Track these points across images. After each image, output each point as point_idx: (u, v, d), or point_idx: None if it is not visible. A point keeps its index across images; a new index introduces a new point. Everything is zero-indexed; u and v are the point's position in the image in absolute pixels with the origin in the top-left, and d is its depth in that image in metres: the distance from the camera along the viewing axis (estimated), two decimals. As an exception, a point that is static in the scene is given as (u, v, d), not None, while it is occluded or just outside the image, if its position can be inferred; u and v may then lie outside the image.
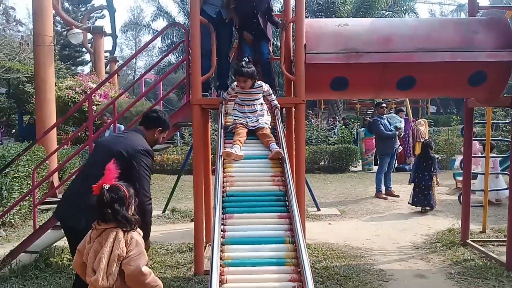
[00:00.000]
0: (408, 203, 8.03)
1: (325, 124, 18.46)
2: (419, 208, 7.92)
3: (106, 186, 2.55)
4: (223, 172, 3.54)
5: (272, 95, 4.33)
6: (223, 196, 3.33)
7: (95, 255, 2.49)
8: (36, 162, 7.27)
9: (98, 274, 2.40)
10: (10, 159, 6.35)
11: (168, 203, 8.08)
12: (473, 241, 5.69)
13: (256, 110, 4.06)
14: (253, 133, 3.99)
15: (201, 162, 4.88)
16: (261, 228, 3.08)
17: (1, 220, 6.40)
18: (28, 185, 7.07)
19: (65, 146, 10.49)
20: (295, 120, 4.74)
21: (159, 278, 4.57)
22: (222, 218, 3.14)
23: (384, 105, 10.70)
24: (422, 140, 12.87)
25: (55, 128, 8.82)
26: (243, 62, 4.01)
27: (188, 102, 4.83)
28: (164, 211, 7.89)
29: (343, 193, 9.97)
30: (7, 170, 6.43)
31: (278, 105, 4.34)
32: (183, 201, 9.02)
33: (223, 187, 3.43)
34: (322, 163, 13.97)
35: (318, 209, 8.02)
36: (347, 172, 13.52)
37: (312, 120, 17.46)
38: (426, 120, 14.88)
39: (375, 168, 11.88)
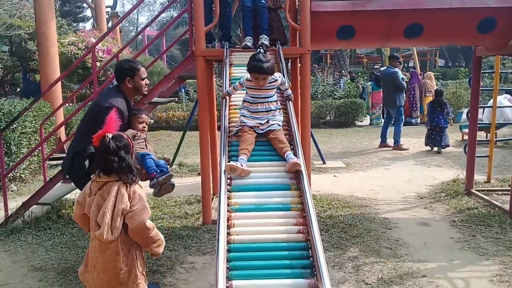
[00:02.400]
0: (425, 145, 9.11)
1: (331, 78, 18.23)
2: (424, 159, 8.02)
3: (110, 135, 2.54)
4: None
5: (286, 83, 3.72)
6: (228, 145, 3.35)
7: (98, 209, 2.49)
8: (43, 118, 7.31)
9: (103, 229, 2.42)
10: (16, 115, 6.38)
11: (175, 157, 8.17)
12: (478, 191, 5.75)
13: (271, 109, 3.36)
14: (263, 136, 3.34)
15: (207, 115, 4.88)
16: (267, 176, 3.11)
17: (12, 174, 6.53)
18: (36, 141, 7.16)
19: (71, 103, 10.52)
20: (301, 70, 4.69)
21: (169, 228, 4.74)
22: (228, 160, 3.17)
23: (399, 57, 10.54)
24: (428, 95, 12.84)
25: (60, 85, 8.80)
26: (260, 55, 3.28)
27: (192, 54, 4.77)
28: (171, 166, 7.98)
29: (349, 146, 10.00)
30: (14, 125, 6.49)
31: (292, 96, 3.78)
32: (190, 156, 9.10)
33: (228, 136, 3.46)
34: (328, 117, 13.94)
35: (324, 162, 8.08)
36: (353, 126, 13.51)
37: (318, 75, 17.22)
38: (432, 73, 14.65)
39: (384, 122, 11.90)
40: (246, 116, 3.33)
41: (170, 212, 5.32)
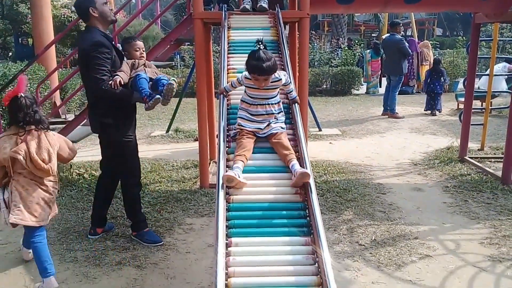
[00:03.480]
0: (424, 110, 9.83)
1: (328, 46, 18.05)
2: (419, 127, 8.12)
3: (22, 94, 2.92)
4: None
5: (291, 84, 3.24)
6: (228, 108, 3.37)
7: (37, 150, 2.89)
8: (38, 81, 7.25)
9: (50, 164, 2.92)
10: (12, 77, 6.32)
11: (171, 123, 8.16)
12: (471, 158, 5.83)
13: (272, 113, 2.94)
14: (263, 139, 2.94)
15: (204, 80, 4.86)
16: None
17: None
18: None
19: (64, 67, 10.40)
20: (299, 35, 4.65)
21: (166, 191, 4.81)
22: (227, 130, 3.20)
23: (401, 24, 10.45)
24: (425, 64, 12.81)
25: (54, 48, 8.68)
26: (260, 52, 2.80)
27: (189, 17, 4.71)
28: (167, 131, 8.00)
29: (345, 114, 10.03)
30: (10, 87, 6.42)
31: (298, 99, 3.31)
32: (186, 122, 9.10)
33: (227, 100, 3.47)
34: (325, 86, 13.88)
35: (320, 130, 8.12)
36: (350, 95, 13.48)
37: (315, 42, 17.02)
38: (429, 42, 14.54)
39: (381, 90, 11.87)
40: (244, 119, 2.91)
41: (168, 176, 5.37)
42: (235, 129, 2.98)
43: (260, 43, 2.82)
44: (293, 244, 2.32)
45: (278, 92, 2.99)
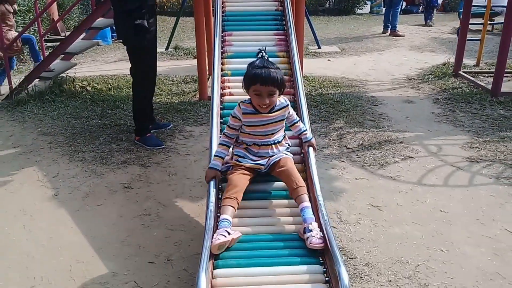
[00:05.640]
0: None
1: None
2: (419, 45, 8.15)
3: None
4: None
5: (301, 122, 2.50)
6: (222, 16, 3.46)
7: None
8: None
9: None
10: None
11: (170, 41, 8.18)
12: (465, 72, 5.93)
13: (276, 153, 2.28)
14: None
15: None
16: (258, 44, 3.25)
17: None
18: (31, 19, 7.12)
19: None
20: None
21: (167, 103, 5.00)
22: (222, 36, 3.31)
23: None
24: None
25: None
26: (262, 60, 2.20)
27: None
28: (167, 48, 8.04)
29: (346, 33, 9.96)
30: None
31: (314, 142, 2.46)
32: (185, 40, 9.10)
33: (223, 7, 3.54)
34: (327, 5, 13.58)
35: (319, 47, 8.14)
36: (352, 14, 13.23)
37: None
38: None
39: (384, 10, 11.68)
40: (242, 156, 2.28)
41: (168, 90, 5.54)
42: (228, 162, 2.32)
43: (262, 51, 2.25)
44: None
45: (283, 124, 2.33)
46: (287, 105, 2.28)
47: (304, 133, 2.43)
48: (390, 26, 9.40)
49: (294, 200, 2.13)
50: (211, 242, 1.85)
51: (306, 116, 2.65)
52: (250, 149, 2.29)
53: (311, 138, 2.44)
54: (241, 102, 2.27)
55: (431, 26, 10.75)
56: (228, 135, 2.29)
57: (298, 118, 2.44)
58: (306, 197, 2.10)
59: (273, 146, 2.27)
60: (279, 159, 2.23)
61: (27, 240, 2.60)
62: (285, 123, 2.35)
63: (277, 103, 2.24)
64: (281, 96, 2.28)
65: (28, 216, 2.84)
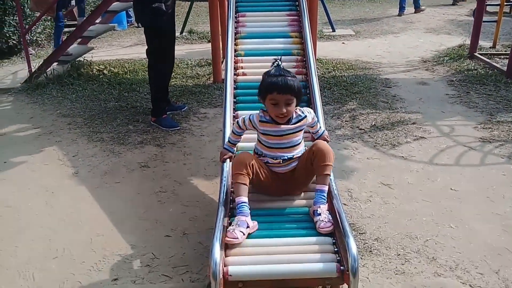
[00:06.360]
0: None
1: None
2: (435, 27, 8.12)
3: None
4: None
5: (318, 123, 2.40)
6: (236, -2, 3.50)
7: None
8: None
9: None
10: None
11: (184, 25, 8.23)
12: (481, 54, 5.86)
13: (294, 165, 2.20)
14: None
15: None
16: (271, 25, 3.31)
17: (29, 38, 6.75)
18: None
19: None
20: None
21: (182, 86, 5.07)
22: (236, 17, 3.36)
23: None
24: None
25: None
26: (278, 68, 2.14)
27: None
28: (181, 33, 8.09)
29: (361, 15, 9.86)
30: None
31: (327, 134, 2.40)
32: (200, 25, 9.14)
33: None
34: (342, -13, 13.39)
35: (333, 30, 8.10)
36: (367, -4, 13.04)
37: None
38: None
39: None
40: (261, 152, 2.22)
41: (182, 73, 5.61)
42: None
43: (277, 60, 2.18)
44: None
45: (302, 135, 2.23)
46: (305, 116, 2.19)
47: (316, 133, 2.37)
48: (414, 6, 9.66)
49: (315, 177, 2.13)
50: (226, 234, 1.86)
51: (318, 96, 2.70)
52: (268, 142, 2.17)
53: (323, 132, 2.38)
54: (261, 109, 2.20)
55: (457, 4, 10.79)
56: (240, 126, 2.26)
57: (319, 126, 2.38)
58: (327, 179, 2.08)
59: (289, 161, 2.17)
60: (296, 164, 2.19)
61: (49, 215, 2.72)
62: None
63: (294, 115, 2.16)
64: (297, 108, 2.19)
65: (50, 193, 2.97)
